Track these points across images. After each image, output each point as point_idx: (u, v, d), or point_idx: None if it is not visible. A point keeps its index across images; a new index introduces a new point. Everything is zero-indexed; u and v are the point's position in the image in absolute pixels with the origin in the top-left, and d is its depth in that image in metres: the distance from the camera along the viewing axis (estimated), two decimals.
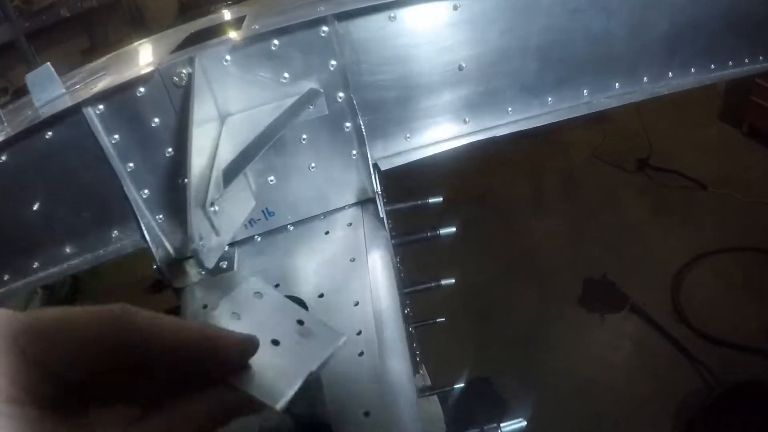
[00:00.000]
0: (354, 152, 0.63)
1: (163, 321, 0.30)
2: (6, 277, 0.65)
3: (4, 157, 0.58)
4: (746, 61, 0.82)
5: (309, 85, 0.59)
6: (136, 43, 0.85)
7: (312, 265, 0.59)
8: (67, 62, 0.79)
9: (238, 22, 0.61)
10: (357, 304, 0.52)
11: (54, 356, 0.27)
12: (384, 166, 0.64)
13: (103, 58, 0.84)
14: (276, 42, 0.55)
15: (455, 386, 1.09)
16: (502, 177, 2.88)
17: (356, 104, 0.60)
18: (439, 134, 0.66)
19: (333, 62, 0.57)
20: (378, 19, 0.57)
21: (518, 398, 1.83)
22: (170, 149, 0.59)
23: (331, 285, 0.54)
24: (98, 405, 0.30)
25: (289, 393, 0.33)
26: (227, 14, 0.70)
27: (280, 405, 0.32)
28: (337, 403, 0.45)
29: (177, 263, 0.62)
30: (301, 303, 0.53)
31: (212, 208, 0.40)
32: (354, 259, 0.58)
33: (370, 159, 0.63)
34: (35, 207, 0.62)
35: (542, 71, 0.67)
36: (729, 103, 2.87)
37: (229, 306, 0.37)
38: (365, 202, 0.67)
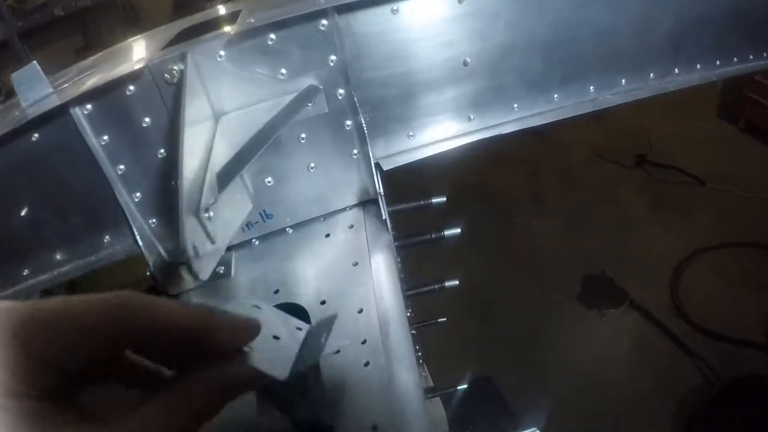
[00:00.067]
0: (355, 151, 0.61)
1: (163, 307, 0.30)
2: None
3: None
4: (750, 57, 0.82)
5: (308, 81, 0.56)
6: (127, 40, 0.82)
7: (313, 269, 0.57)
8: (61, 62, 0.76)
9: (233, 17, 0.58)
10: (361, 311, 0.50)
11: (55, 347, 0.27)
12: (386, 165, 0.61)
13: (94, 56, 0.81)
14: (273, 36, 0.53)
15: (458, 387, 1.07)
16: (500, 173, 2.86)
17: (357, 101, 0.57)
18: (443, 132, 0.64)
19: (333, 57, 0.55)
20: (380, 13, 0.54)
21: (519, 397, 1.82)
22: (162, 150, 0.56)
23: (333, 291, 0.51)
24: (99, 390, 0.30)
25: (291, 366, 0.34)
26: (222, 9, 0.67)
27: (284, 376, 0.33)
28: (342, 415, 0.43)
29: (172, 269, 0.60)
30: (302, 310, 0.51)
31: (206, 214, 0.37)
32: (357, 264, 0.56)
33: (371, 158, 0.61)
34: (23, 212, 0.59)
35: (549, 67, 0.64)
36: (725, 100, 2.88)
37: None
38: (366, 203, 0.65)
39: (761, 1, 0.77)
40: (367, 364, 0.45)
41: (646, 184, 2.70)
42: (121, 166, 0.56)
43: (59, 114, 0.54)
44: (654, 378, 1.88)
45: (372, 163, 0.61)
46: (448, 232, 0.67)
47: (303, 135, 0.59)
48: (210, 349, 0.32)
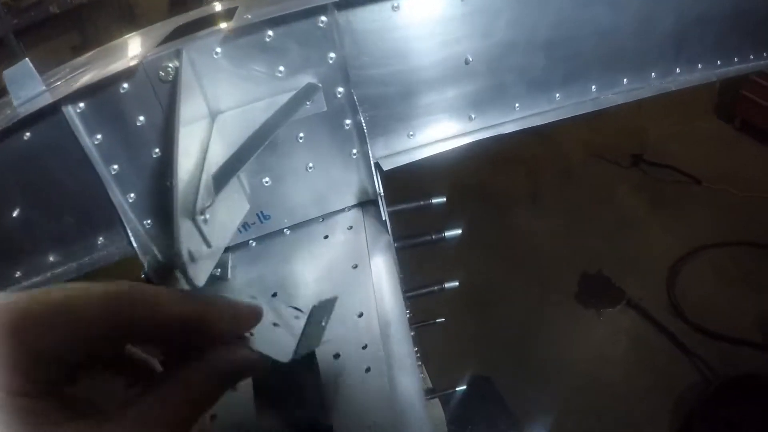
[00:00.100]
0: (354, 151, 0.60)
1: (164, 297, 0.29)
2: None
3: None
4: (751, 57, 0.81)
5: (306, 79, 0.55)
6: (122, 38, 0.80)
7: (311, 272, 0.56)
8: (58, 59, 0.74)
9: (229, 13, 0.57)
10: (361, 315, 0.49)
11: (53, 341, 0.26)
12: (386, 165, 0.60)
13: (88, 53, 0.79)
14: (270, 33, 0.51)
15: (457, 389, 1.07)
16: (498, 173, 2.86)
17: (356, 100, 0.56)
18: (444, 132, 0.62)
19: (332, 55, 0.53)
20: (380, 9, 0.53)
21: (517, 396, 1.81)
22: (157, 150, 0.54)
23: (333, 294, 0.50)
24: (96, 380, 0.30)
25: (295, 349, 0.34)
26: (218, 6, 0.66)
27: (287, 359, 0.34)
28: (343, 423, 0.41)
29: (167, 271, 0.59)
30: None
31: (202, 217, 0.36)
32: (356, 266, 0.54)
33: (371, 158, 0.59)
34: (15, 213, 0.57)
35: (550, 66, 0.63)
36: (721, 99, 2.89)
37: None
38: (366, 203, 0.64)
39: (762, 1, 0.76)
40: (368, 370, 0.44)
41: (643, 184, 2.71)
42: (115, 166, 0.55)
43: (51, 112, 0.53)
44: (651, 377, 1.88)
45: (372, 163, 0.60)
46: (448, 233, 0.66)
47: (301, 134, 0.58)
48: (212, 337, 0.32)
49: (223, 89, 0.54)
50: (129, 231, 0.57)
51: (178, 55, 0.51)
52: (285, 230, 0.62)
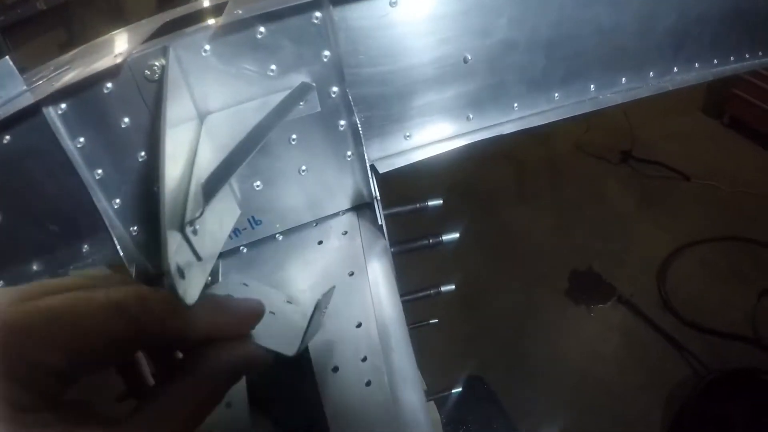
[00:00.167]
0: (349, 153, 0.57)
1: (171, 311, 0.29)
2: None
3: None
4: (747, 56, 0.81)
5: (299, 78, 0.52)
6: (108, 34, 0.77)
7: (306, 279, 0.54)
8: (45, 57, 0.71)
9: (219, 9, 0.54)
10: (359, 325, 0.47)
11: (56, 353, 0.25)
12: (382, 168, 0.58)
13: (73, 51, 0.76)
14: (262, 29, 0.49)
15: (453, 391, 1.05)
16: (487, 170, 2.85)
17: (352, 100, 0.54)
18: (441, 132, 0.61)
19: (326, 53, 0.51)
20: (377, 5, 0.51)
21: (510, 394, 1.81)
22: (143, 153, 0.52)
23: (329, 303, 0.48)
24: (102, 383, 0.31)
25: (299, 342, 0.35)
26: (207, 1, 0.63)
27: (292, 352, 0.34)
28: None
29: (155, 279, 0.56)
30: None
31: (191, 228, 0.34)
32: (353, 273, 0.52)
33: (367, 160, 0.57)
34: None
35: (550, 65, 0.62)
36: (710, 96, 2.90)
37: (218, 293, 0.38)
38: (361, 207, 0.62)
39: (762, 0, 0.76)
40: (368, 383, 0.42)
41: (632, 180, 2.72)
42: (99, 171, 0.52)
43: (31, 114, 0.50)
44: (643, 372, 1.89)
45: (367, 165, 0.58)
46: (446, 237, 0.64)
47: (294, 136, 0.55)
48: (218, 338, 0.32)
49: (212, 89, 0.52)
50: (115, 238, 0.54)
51: (164, 52, 0.49)
52: (277, 236, 0.60)
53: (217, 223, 0.42)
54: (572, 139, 2.98)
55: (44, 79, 0.56)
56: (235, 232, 0.58)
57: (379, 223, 0.59)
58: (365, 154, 0.57)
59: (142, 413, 0.28)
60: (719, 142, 2.80)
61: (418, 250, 0.64)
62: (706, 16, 0.71)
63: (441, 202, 0.67)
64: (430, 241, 0.64)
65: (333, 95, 0.54)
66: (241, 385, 0.46)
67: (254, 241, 0.60)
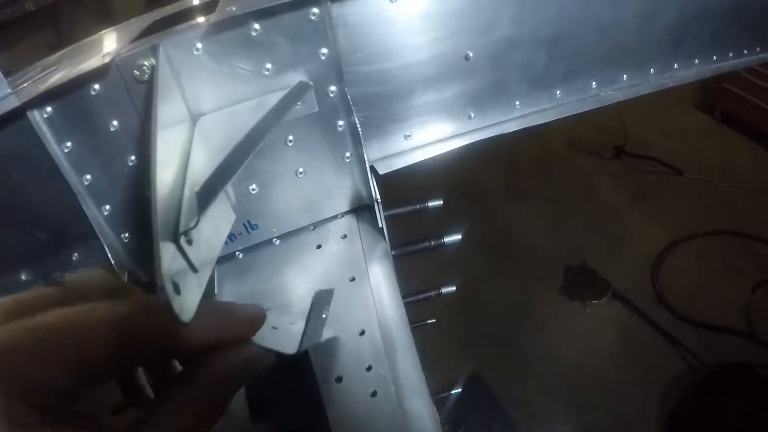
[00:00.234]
0: (348, 154, 0.56)
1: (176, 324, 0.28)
2: None
3: None
4: (745, 52, 0.81)
5: (296, 77, 0.50)
6: (97, 34, 0.74)
7: (305, 285, 0.52)
8: (33, 59, 0.68)
9: (211, 5, 0.52)
10: (363, 333, 0.45)
11: (55, 371, 0.25)
12: (382, 169, 0.56)
13: (60, 51, 0.73)
14: (257, 26, 0.47)
15: (452, 391, 1.04)
16: (480, 167, 2.84)
17: (350, 99, 0.52)
18: (442, 132, 0.59)
19: (324, 51, 0.49)
20: (377, 1, 0.49)
21: (506, 391, 1.81)
22: (133, 157, 0.50)
23: (331, 311, 0.47)
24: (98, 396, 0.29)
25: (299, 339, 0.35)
26: None
27: (293, 351, 0.34)
28: None
29: (148, 286, 0.54)
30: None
31: (186, 238, 0.32)
32: (354, 279, 0.51)
33: (366, 161, 0.56)
34: None
35: (552, 62, 0.61)
36: (702, 91, 2.91)
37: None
38: (360, 209, 0.60)
39: None
40: (374, 393, 0.40)
41: (625, 175, 2.72)
42: (88, 176, 0.50)
43: (16, 117, 0.47)
44: (639, 368, 1.90)
45: (367, 166, 0.56)
46: (447, 239, 0.63)
47: (290, 137, 0.54)
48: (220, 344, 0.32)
49: (204, 89, 0.50)
50: (105, 245, 0.52)
51: (154, 51, 0.47)
52: (274, 240, 0.58)
53: (213, 230, 0.40)
54: (565, 136, 2.98)
55: (30, 81, 0.54)
56: (231, 237, 0.56)
57: (380, 225, 0.57)
58: (365, 155, 0.55)
59: (148, 424, 0.27)
60: (711, 137, 2.81)
61: (419, 252, 0.63)
62: (706, 13, 0.70)
63: (441, 203, 0.66)
64: (432, 243, 0.63)
65: (331, 94, 0.52)
66: (241, 393, 0.45)
67: (250, 246, 0.58)
